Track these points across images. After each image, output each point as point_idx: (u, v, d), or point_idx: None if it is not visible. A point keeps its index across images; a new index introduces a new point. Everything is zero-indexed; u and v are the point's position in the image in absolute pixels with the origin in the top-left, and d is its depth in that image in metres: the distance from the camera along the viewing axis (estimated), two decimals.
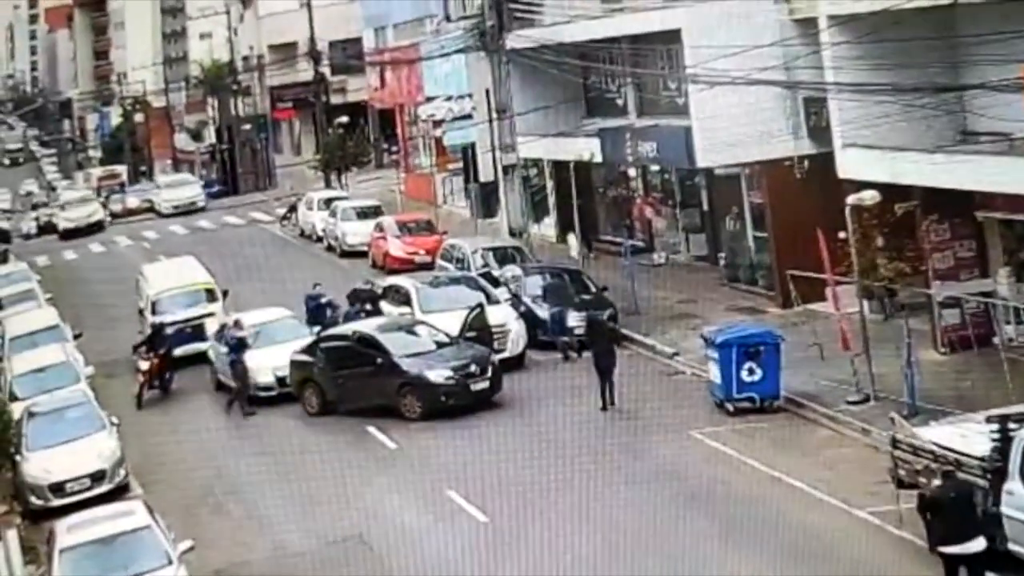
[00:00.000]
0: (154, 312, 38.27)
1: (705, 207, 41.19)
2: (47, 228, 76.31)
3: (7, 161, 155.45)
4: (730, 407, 27.85)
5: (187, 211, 72.56)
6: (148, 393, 34.12)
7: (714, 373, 28.30)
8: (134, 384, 34.30)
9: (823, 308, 30.50)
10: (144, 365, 34.07)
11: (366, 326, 32.76)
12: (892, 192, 28.52)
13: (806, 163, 34.17)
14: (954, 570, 18.61)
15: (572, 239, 42.17)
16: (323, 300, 36.81)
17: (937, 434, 20.70)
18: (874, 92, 29.07)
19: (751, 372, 27.61)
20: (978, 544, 18.45)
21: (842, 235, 28.37)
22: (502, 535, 22.98)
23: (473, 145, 53.28)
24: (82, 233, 69.52)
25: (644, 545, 21.91)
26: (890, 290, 29.94)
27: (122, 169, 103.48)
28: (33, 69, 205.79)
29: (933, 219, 29.48)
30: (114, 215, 78.46)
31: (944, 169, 27.44)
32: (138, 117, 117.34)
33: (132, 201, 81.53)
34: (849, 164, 30.40)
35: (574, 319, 34.74)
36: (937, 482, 19.16)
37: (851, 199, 27.78)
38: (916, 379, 26.04)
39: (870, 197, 27.52)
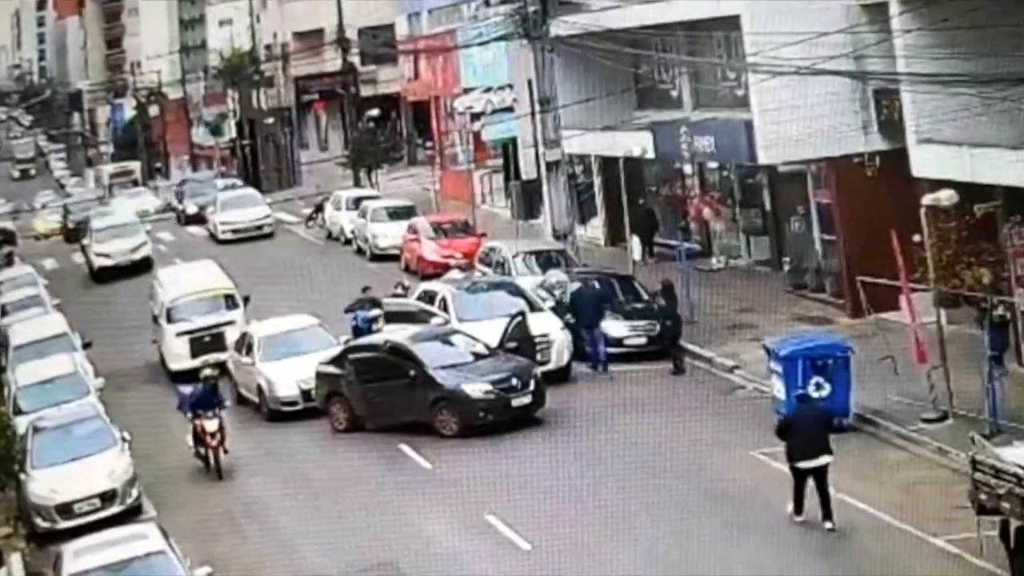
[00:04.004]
0: (170, 320, 38.40)
1: (767, 207, 41.06)
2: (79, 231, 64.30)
3: (16, 173, 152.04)
4: None
5: (252, 237, 60.51)
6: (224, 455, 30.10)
7: (778, 388, 28.16)
8: (204, 449, 30.05)
9: (897, 317, 30.32)
10: (211, 426, 29.76)
11: (398, 335, 32.75)
12: (971, 192, 28.35)
13: (877, 160, 34.03)
14: (803, 482, 23.25)
15: (635, 242, 42.00)
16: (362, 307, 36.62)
17: (1021, 455, 20.53)
18: (951, 83, 28.97)
19: (818, 387, 27.40)
20: (825, 459, 23.16)
21: (917, 238, 28.23)
22: (546, 564, 22.88)
23: (514, 140, 53.33)
24: (124, 273, 54.20)
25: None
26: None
27: (135, 165, 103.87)
28: (41, 59, 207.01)
29: (1016, 221, 29.30)
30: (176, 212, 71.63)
31: None
32: (153, 110, 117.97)
33: (191, 207, 70.20)
34: (924, 161, 30.29)
35: (623, 329, 34.72)
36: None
37: (926, 199, 27.66)
38: (998, 395, 25.86)
39: (947, 197, 27.36)
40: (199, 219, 66.73)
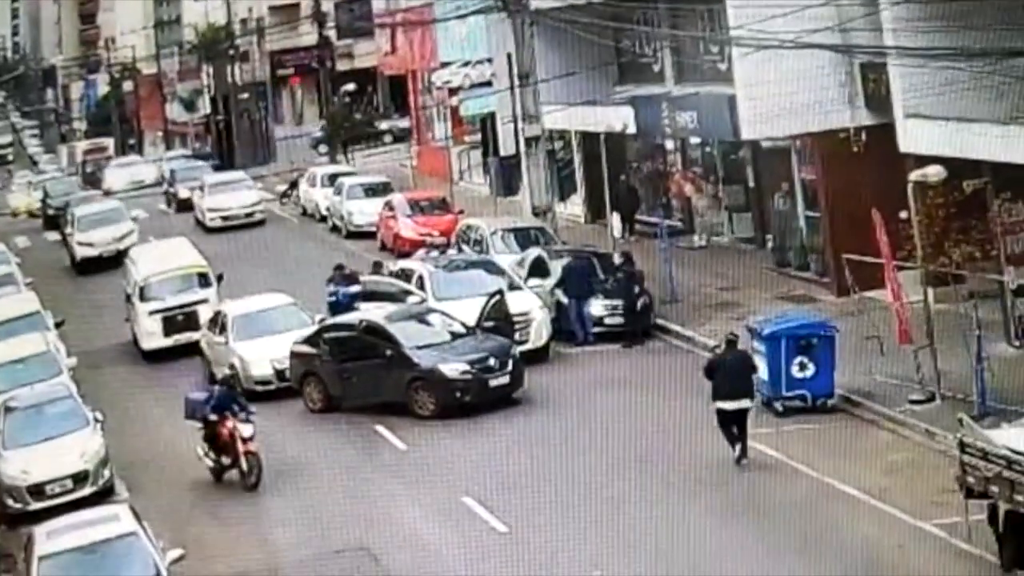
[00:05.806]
0: (142, 298, 38.17)
1: (751, 184, 40.88)
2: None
3: None
4: (779, 406, 27.60)
5: (242, 225, 56.54)
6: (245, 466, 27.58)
7: (761, 369, 27.89)
8: (227, 457, 27.71)
9: (882, 296, 30.17)
10: (247, 430, 27.29)
11: (374, 314, 32.56)
12: (959, 168, 28.17)
13: (864, 135, 33.80)
14: (727, 423, 25.14)
15: (615, 219, 42.02)
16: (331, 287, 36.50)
17: (1010, 437, 20.43)
18: (939, 57, 28.79)
19: (802, 367, 27.38)
20: (745, 403, 25.13)
21: (903, 215, 28.10)
22: (524, 547, 22.79)
23: (492, 115, 53.06)
24: (109, 264, 49.40)
25: (680, 561, 21.77)
26: None
27: (109, 142, 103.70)
28: (14, 34, 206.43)
29: (1005, 198, 29.18)
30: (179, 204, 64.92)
31: (1017, 142, 27.10)
32: (127, 86, 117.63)
33: (183, 191, 64.38)
34: (911, 136, 30.11)
35: (603, 307, 34.58)
36: None
37: (914, 175, 27.53)
38: (986, 376, 25.74)
39: (935, 173, 27.25)
40: (191, 204, 61.88)
